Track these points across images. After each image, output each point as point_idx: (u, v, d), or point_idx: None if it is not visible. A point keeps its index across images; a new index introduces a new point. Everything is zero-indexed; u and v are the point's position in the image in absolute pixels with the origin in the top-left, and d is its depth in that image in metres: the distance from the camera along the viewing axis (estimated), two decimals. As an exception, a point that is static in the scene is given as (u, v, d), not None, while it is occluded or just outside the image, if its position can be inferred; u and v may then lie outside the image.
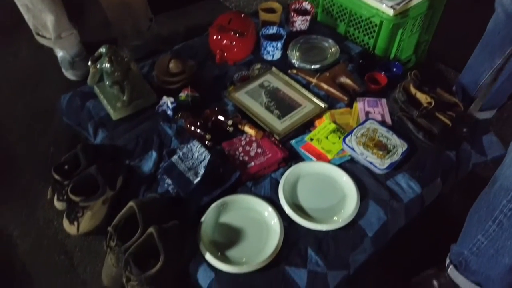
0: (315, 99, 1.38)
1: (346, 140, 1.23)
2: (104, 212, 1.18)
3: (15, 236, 1.28)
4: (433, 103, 1.27)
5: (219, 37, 1.45)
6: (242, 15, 1.51)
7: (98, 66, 1.26)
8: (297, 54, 1.55)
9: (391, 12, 1.46)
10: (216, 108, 1.32)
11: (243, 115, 1.34)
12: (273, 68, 1.50)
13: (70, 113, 1.40)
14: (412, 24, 1.55)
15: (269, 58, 1.56)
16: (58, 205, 1.23)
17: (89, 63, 1.25)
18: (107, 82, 1.32)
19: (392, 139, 1.24)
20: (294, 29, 1.66)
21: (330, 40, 1.58)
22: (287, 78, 1.46)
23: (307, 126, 1.32)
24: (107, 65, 1.25)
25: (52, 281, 1.18)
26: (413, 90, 1.31)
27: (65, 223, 1.21)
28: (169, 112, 1.34)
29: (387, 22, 1.49)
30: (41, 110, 1.65)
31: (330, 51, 1.55)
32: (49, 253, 1.23)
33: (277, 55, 1.56)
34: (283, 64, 1.54)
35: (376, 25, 1.53)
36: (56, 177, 1.15)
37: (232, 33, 1.43)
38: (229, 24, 1.45)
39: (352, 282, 1.10)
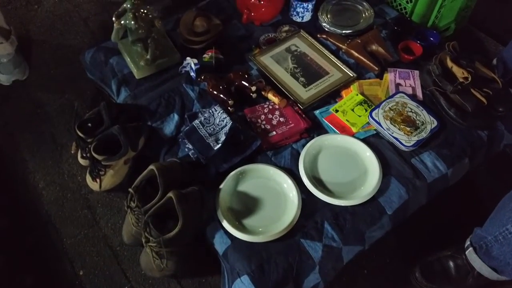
0: (343, 67, 1.32)
1: (373, 113, 1.18)
2: (126, 171, 1.20)
3: (40, 187, 1.32)
4: (469, 79, 1.19)
5: (246, -4, 1.38)
6: (272, -26, 1.43)
7: (122, 22, 1.22)
8: (328, 16, 1.46)
9: (434, -25, 1.34)
10: (240, 72, 1.28)
11: (267, 81, 1.30)
12: (301, 31, 1.43)
13: (93, 69, 1.39)
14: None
15: (298, 19, 1.48)
16: (82, 161, 1.25)
17: (114, 18, 1.21)
18: (131, 39, 1.29)
19: (422, 114, 1.19)
20: (327, -11, 1.56)
21: (364, 3, 1.48)
22: (315, 42, 1.39)
23: (333, 96, 1.28)
24: (131, 22, 1.21)
25: (75, 233, 1.23)
26: (449, 63, 1.24)
27: (88, 179, 1.24)
28: (192, 74, 1.32)
29: (428, -14, 1.38)
30: (66, 60, 1.64)
31: (363, 15, 1.46)
32: (73, 206, 1.27)
33: (307, 16, 1.48)
34: (313, 27, 1.47)
35: (416, -11, 1.42)
36: (80, 134, 1.16)
37: (260, -6, 1.36)
38: (258, -17, 1.37)
39: (366, 256, 1.10)
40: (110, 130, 1.14)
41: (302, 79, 1.31)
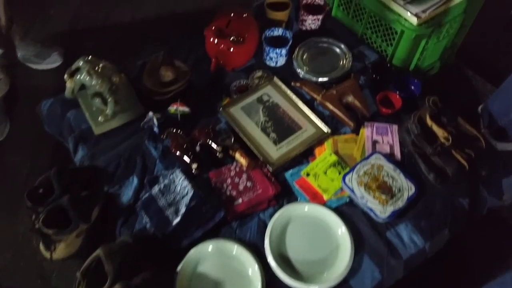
0: (318, 122, 1.23)
1: (346, 179, 1.10)
2: (79, 243, 1.11)
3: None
4: (450, 140, 1.11)
5: (215, 42, 1.28)
6: (244, 15, 1.33)
7: (76, 78, 1.13)
8: (304, 61, 1.37)
9: (414, 21, 1.25)
10: (206, 130, 1.19)
11: (236, 136, 1.21)
12: (275, 78, 1.34)
13: (51, 122, 1.29)
14: (440, 31, 1.34)
15: (272, 64, 1.39)
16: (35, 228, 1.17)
17: (65, 76, 1.12)
18: (88, 93, 1.20)
19: (399, 179, 1.10)
20: (304, 28, 1.47)
21: (342, 46, 1.39)
22: (289, 92, 1.30)
23: (306, 154, 1.19)
24: (86, 78, 1.12)
25: (29, 304, 1.15)
26: (429, 121, 1.15)
27: (41, 247, 1.15)
28: (155, 129, 1.23)
29: (408, 32, 1.28)
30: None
31: (341, 62, 1.36)
32: (26, 275, 1.19)
33: (281, 61, 1.39)
34: (288, 72, 1.38)
35: (396, 33, 1.33)
36: (29, 204, 1.08)
37: (230, 39, 1.26)
38: (227, 27, 1.28)
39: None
40: (59, 201, 1.05)
41: (273, 134, 1.22)
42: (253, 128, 1.24)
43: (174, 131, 1.20)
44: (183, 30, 1.77)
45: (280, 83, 1.33)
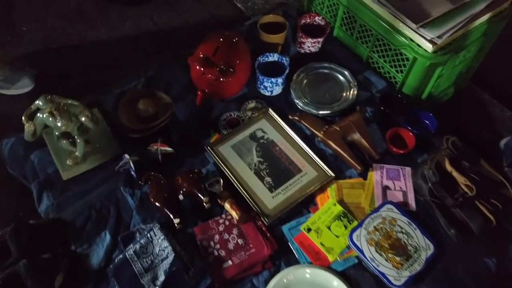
0: (319, 163, 1.08)
1: (354, 236, 0.94)
2: (41, 314, 0.95)
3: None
4: (474, 190, 0.95)
5: (201, 72, 1.12)
6: (235, 39, 1.17)
7: (36, 121, 0.97)
8: (303, 90, 1.21)
9: (429, 47, 1.09)
10: (191, 175, 1.03)
11: (225, 181, 1.05)
12: (270, 111, 1.18)
13: (13, 164, 1.12)
14: (457, 57, 1.18)
15: (267, 93, 1.23)
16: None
17: (23, 119, 0.96)
18: (55, 133, 1.04)
19: (415, 236, 0.95)
20: (303, 51, 1.31)
21: (346, 73, 1.23)
22: (286, 127, 1.15)
23: (306, 203, 1.03)
24: (49, 119, 0.96)
25: None
26: (449, 167, 1.00)
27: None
28: (133, 173, 1.07)
29: (422, 60, 1.13)
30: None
31: (345, 91, 1.21)
32: None
33: (277, 90, 1.23)
34: (284, 103, 1.22)
35: (408, 60, 1.17)
36: (-20, 269, 0.91)
37: (218, 69, 1.10)
38: (215, 54, 1.11)
39: None
40: (15, 267, 0.89)
41: (268, 179, 1.06)
42: (245, 170, 1.08)
43: (153, 175, 1.04)
44: (165, 54, 1.60)
45: (276, 116, 1.17)
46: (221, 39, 1.15)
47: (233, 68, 1.11)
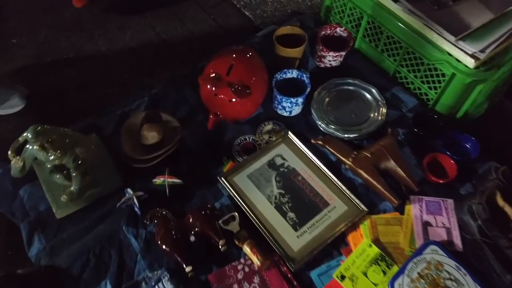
0: (349, 195, 0.95)
1: (396, 285, 0.81)
2: None
3: None
4: (532, 228, 0.83)
5: (213, 93, 0.99)
6: (249, 55, 1.04)
7: (25, 155, 0.83)
8: (325, 109, 1.09)
9: (471, 63, 0.97)
10: (203, 212, 0.90)
11: (242, 216, 0.92)
12: (289, 134, 1.05)
13: (0, 199, 0.99)
14: (498, 72, 1.06)
15: (285, 114, 1.10)
16: None
17: (9, 153, 0.82)
18: (47, 166, 0.91)
19: (466, 284, 0.82)
20: (323, 65, 1.18)
21: (374, 90, 1.11)
22: (308, 152, 1.02)
23: (336, 243, 0.90)
24: (40, 153, 0.83)
25: None
26: (501, 201, 0.87)
27: None
28: (137, 209, 0.93)
29: (462, 77, 1.00)
30: None
31: (373, 111, 1.08)
32: None
33: (297, 110, 1.10)
34: (305, 125, 1.09)
35: (444, 76, 1.04)
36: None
37: (232, 90, 0.97)
38: (228, 74, 0.98)
39: None
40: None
41: (291, 214, 0.93)
42: (264, 204, 0.95)
43: (160, 212, 0.91)
44: (170, 68, 1.47)
45: (296, 140, 1.04)
46: (234, 55, 1.02)
47: (249, 88, 0.98)
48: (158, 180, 0.97)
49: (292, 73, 1.10)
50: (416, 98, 1.13)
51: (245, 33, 1.54)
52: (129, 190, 0.93)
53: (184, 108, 1.12)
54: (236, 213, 0.93)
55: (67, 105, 1.39)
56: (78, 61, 1.54)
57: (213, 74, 0.98)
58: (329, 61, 1.16)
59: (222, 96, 0.99)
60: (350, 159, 0.98)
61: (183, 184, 0.96)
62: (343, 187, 0.96)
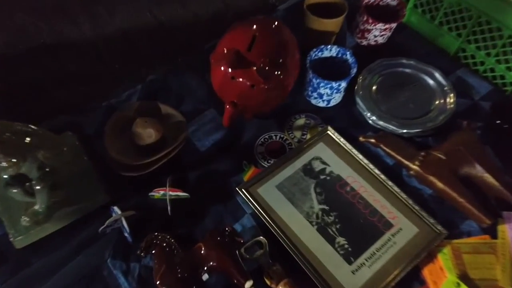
0: (419, 212, 0.69)
1: None
2: None
3: None
4: None
5: (229, 76, 0.73)
6: (274, 25, 0.78)
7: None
8: (374, 98, 0.83)
9: None
10: (219, 238, 0.64)
11: (272, 241, 0.67)
12: (329, 130, 0.80)
13: None
14: None
15: (321, 104, 0.85)
16: None
17: None
18: (2, 176, 0.65)
19: None
20: (365, 43, 0.93)
21: (436, 73, 0.85)
22: (357, 154, 0.76)
23: (406, 280, 0.64)
24: (-14, 160, 0.57)
25: None
26: None
27: None
28: (127, 236, 0.68)
29: None
30: None
31: (438, 99, 0.82)
32: None
33: (337, 99, 0.84)
34: (346, 116, 0.84)
35: (533, 50, 0.79)
36: None
37: (256, 68, 0.71)
38: (250, 49, 0.73)
39: None
40: None
41: (341, 240, 0.67)
42: (303, 226, 0.69)
43: (160, 239, 0.65)
44: (170, 58, 1.22)
45: (338, 137, 0.78)
46: (256, 26, 0.76)
47: (280, 66, 0.73)
48: (157, 194, 0.71)
49: (331, 50, 0.84)
50: (489, 83, 0.88)
51: (258, 14, 1.29)
52: (116, 208, 0.67)
53: (191, 99, 0.86)
54: (264, 239, 0.68)
55: (45, 102, 1.14)
56: (60, 49, 1.28)
57: (231, 51, 0.72)
58: (375, 36, 0.90)
59: (241, 79, 0.73)
60: (417, 163, 0.72)
61: (190, 198, 0.71)
62: (410, 202, 0.70)
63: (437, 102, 0.82)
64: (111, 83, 1.21)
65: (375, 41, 0.92)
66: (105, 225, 0.66)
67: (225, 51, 0.73)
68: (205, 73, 0.85)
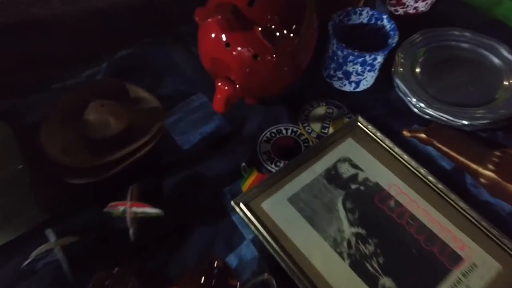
0: (500, 239, 0.47)
1: None
2: None
3: None
4: None
5: (223, 43, 0.52)
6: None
7: None
8: (419, 80, 0.62)
9: None
10: (206, 277, 0.42)
11: (280, 278, 0.45)
12: (360, 120, 0.58)
13: None
14: None
15: (348, 87, 0.63)
16: None
17: None
18: None
19: None
20: (401, 11, 0.72)
21: (502, 49, 0.64)
22: (402, 155, 0.54)
23: None
24: None
25: None
26: None
27: None
28: (65, 267, 0.45)
29: None
30: None
31: (505, 81, 0.61)
32: None
33: (369, 81, 0.63)
34: (383, 104, 0.62)
35: None
36: None
37: (260, 30, 0.50)
38: (251, 4, 0.51)
39: None
40: None
41: (387, 281, 0.45)
42: (328, 259, 0.47)
43: (116, 279, 0.43)
44: (144, 17, 1.00)
45: (376, 133, 0.57)
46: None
47: (291, 28, 0.51)
48: (116, 211, 0.49)
49: (361, 15, 0.62)
50: None
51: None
52: (50, 231, 0.45)
53: (172, 80, 0.65)
54: (272, 278, 0.46)
55: (6, 89, 0.93)
56: (24, 28, 1.07)
57: (226, 7, 0.51)
58: (415, 2, 0.69)
59: (240, 48, 0.51)
60: (491, 166, 0.50)
61: (164, 217, 0.49)
62: (484, 224, 0.48)
63: (506, 83, 0.61)
64: (84, 66, 0.98)
65: (414, 8, 0.70)
66: (30, 259, 0.44)
67: (219, 7, 0.51)
68: (191, 46, 0.64)
